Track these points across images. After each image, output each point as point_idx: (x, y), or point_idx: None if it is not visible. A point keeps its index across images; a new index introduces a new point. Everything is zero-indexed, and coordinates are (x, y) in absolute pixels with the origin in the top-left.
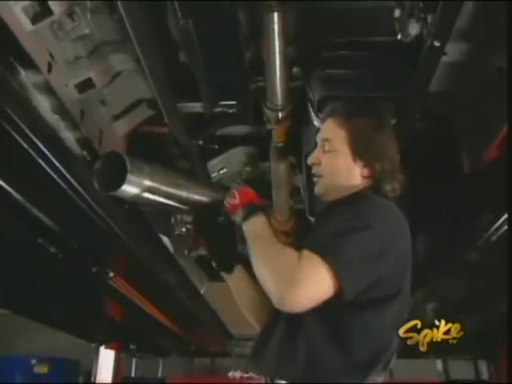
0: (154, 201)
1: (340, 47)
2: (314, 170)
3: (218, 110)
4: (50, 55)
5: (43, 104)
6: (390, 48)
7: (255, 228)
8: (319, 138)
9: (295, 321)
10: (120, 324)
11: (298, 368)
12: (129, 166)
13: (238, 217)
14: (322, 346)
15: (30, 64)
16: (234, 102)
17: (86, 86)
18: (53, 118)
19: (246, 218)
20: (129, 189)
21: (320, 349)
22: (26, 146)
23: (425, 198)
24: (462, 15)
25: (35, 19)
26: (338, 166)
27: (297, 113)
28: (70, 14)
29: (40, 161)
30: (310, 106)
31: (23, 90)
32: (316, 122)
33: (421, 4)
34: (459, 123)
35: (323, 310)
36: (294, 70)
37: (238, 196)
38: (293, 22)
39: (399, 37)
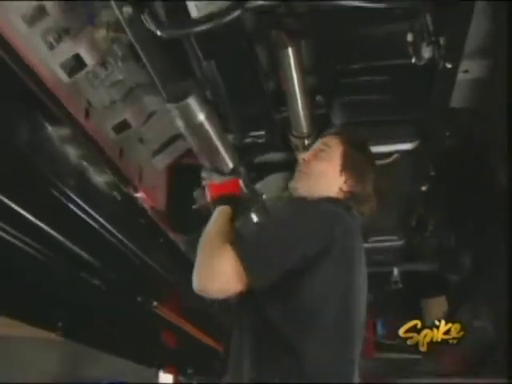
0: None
1: (358, 73)
2: (300, 166)
3: (248, 140)
4: (88, 102)
5: (71, 153)
6: (408, 71)
7: (216, 217)
8: (318, 143)
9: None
10: (175, 350)
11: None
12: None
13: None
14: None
15: (55, 120)
16: (262, 133)
17: (122, 126)
18: (81, 165)
19: (214, 208)
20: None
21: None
22: (56, 194)
23: (462, 214)
24: (478, 33)
25: (71, 72)
26: (325, 172)
27: None
28: (103, 64)
29: (70, 205)
30: None
31: (51, 143)
32: None
33: (430, 27)
34: (488, 138)
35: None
36: (317, 97)
37: (208, 193)
38: (309, 52)
39: (413, 60)
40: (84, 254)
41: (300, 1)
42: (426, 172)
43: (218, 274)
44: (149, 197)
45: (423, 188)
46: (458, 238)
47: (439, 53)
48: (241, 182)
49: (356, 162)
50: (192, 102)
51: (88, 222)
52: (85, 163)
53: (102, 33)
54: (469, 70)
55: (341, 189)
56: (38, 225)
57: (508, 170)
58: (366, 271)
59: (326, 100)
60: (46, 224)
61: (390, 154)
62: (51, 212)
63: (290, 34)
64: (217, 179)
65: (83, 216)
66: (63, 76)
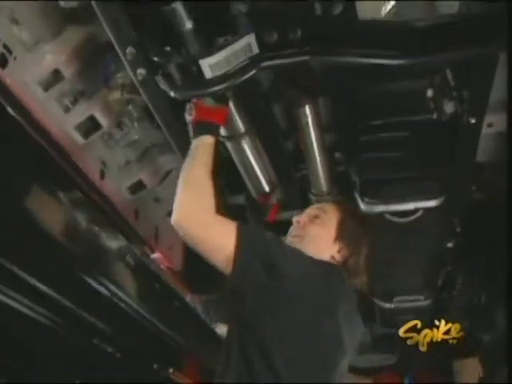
0: None
1: (378, 129)
2: (294, 230)
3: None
4: (103, 163)
5: (85, 217)
6: (430, 126)
7: (198, 147)
8: (313, 208)
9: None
10: None
11: None
12: None
13: (190, 131)
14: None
15: (70, 182)
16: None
17: (138, 187)
18: (94, 230)
19: (195, 135)
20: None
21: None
22: (68, 261)
23: (492, 270)
24: (501, 85)
25: (86, 134)
26: (319, 237)
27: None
28: (119, 124)
29: (83, 275)
30: (354, 189)
31: (63, 208)
32: (362, 206)
33: (451, 82)
34: None
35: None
36: (336, 155)
37: (193, 111)
38: (327, 109)
39: (435, 116)
40: (96, 322)
41: (314, 55)
42: (452, 228)
43: (213, 232)
44: (165, 257)
45: (449, 245)
46: (488, 296)
47: (462, 108)
48: (228, 113)
49: (352, 232)
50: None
51: (99, 290)
52: (97, 228)
53: (116, 95)
54: (493, 124)
55: (333, 257)
56: (48, 293)
57: None
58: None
59: (346, 157)
60: (57, 292)
61: (413, 211)
62: (63, 280)
63: (306, 92)
64: (207, 102)
65: (95, 284)
66: (78, 138)
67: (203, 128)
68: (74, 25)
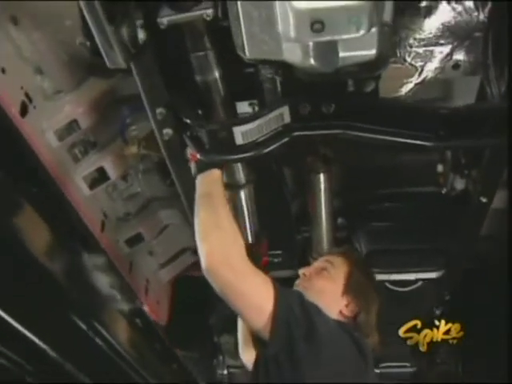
0: None
1: (385, 199)
2: (301, 282)
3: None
4: (104, 214)
5: (103, 282)
6: (437, 199)
7: (210, 184)
8: (320, 261)
9: None
10: None
11: None
12: None
13: (192, 168)
14: None
15: (91, 247)
16: (279, 252)
17: (135, 240)
18: (111, 293)
19: (198, 171)
20: None
21: None
22: (84, 327)
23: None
24: None
25: (93, 185)
26: (327, 290)
27: None
28: (124, 176)
29: (97, 339)
30: None
31: (85, 271)
32: None
33: (463, 160)
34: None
35: None
36: (339, 220)
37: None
38: (338, 177)
39: (444, 191)
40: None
41: (347, 130)
42: (441, 297)
43: (249, 286)
44: (152, 311)
45: (437, 312)
46: (465, 367)
47: (474, 186)
48: None
49: (361, 287)
50: None
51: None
52: (114, 292)
53: (133, 149)
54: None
55: (341, 312)
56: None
57: None
58: None
59: (349, 223)
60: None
61: (413, 281)
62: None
63: (323, 160)
64: None
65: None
66: (84, 188)
67: (204, 163)
68: (95, 77)
